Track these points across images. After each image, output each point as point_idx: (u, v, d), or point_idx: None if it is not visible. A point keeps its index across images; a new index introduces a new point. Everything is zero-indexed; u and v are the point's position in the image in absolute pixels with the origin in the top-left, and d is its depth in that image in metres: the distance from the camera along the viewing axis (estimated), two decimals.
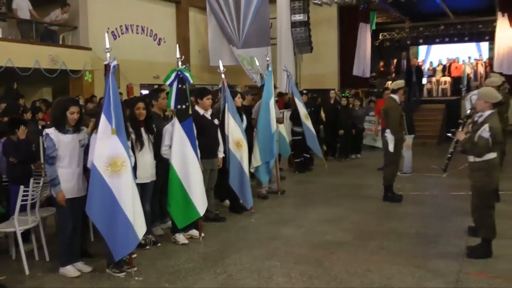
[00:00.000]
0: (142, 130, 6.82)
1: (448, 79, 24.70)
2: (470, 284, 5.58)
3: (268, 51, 20.38)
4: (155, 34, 20.08)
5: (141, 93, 18.17)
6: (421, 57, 29.73)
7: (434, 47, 30.29)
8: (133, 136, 6.64)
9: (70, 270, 6.06)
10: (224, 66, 8.69)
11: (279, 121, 10.69)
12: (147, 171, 6.88)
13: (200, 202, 7.11)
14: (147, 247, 6.90)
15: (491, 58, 25.49)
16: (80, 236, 6.43)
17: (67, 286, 5.80)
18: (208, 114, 7.93)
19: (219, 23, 21.40)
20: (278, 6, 20.48)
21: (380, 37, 30.49)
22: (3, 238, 7.23)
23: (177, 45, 7.57)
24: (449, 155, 7.33)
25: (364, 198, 9.98)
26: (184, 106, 7.02)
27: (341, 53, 24.46)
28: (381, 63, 26.95)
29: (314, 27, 21.53)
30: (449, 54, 27.53)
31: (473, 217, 6.59)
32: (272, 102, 10.00)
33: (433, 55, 29.51)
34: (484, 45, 28.90)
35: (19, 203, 6.18)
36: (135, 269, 6.06)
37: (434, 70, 25.69)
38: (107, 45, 6.01)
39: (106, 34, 6.25)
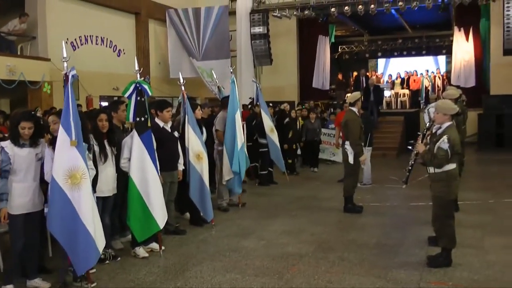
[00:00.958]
0: (105, 142, 6.74)
1: (406, 91, 25.10)
2: None
3: (228, 63, 20.68)
4: (115, 45, 19.92)
5: (100, 105, 17.97)
6: (380, 70, 30.25)
7: (393, 60, 30.86)
8: (96, 148, 6.56)
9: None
10: (184, 78, 8.64)
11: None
12: (109, 185, 6.79)
13: (160, 215, 7.04)
14: (107, 261, 6.79)
15: (448, 71, 26.16)
16: (38, 252, 6.28)
17: None
18: (168, 127, 7.89)
19: (179, 35, 21.38)
20: (238, 18, 20.63)
21: (339, 49, 30.99)
22: None
23: (136, 57, 7.52)
24: (409, 167, 7.41)
25: (325, 209, 10.02)
26: (143, 119, 6.95)
27: (300, 65, 24.62)
28: (340, 75, 27.24)
29: (274, 40, 21.70)
30: (408, 67, 28.06)
31: (434, 226, 6.68)
32: (238, 114, 10.01)
33: (391, 68, 30.07)
34: (442, 59, 29.67)
35: None
36: (94, 284, 5.95)
37: (393, 83, 26.10)
38: (64, 55, 5.91)
39: (63, 43, 6.16)
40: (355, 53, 31.10)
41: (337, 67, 29.75)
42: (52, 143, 5.83)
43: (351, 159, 9.61)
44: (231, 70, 10.77)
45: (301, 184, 13.24)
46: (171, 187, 7.92)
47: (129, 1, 20.43)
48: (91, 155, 6.18)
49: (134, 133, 6.95)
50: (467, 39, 21.93)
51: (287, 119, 14.16)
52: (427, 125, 7.10)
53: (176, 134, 8.05)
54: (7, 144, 5.75)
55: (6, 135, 7.53)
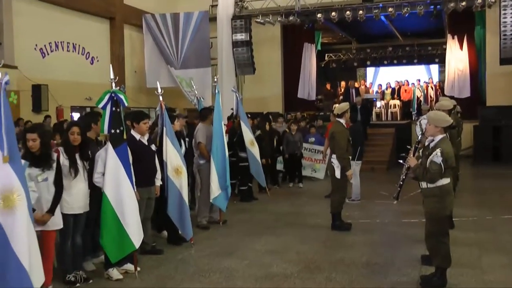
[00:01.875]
0: (77, 156, 6.71)
1: (397, 102, 25.30)
2: None
3: (208, 72, 20.72)
4: (88, 53, 19.90)
5: (72, 117, 17.89)
6: (369, 80, 30.34)
7: (383, 69, 31.00)
8: (66, 162, 6.54)
9: None
10: (161, 88, 8.66)
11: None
12: (81, 201, 6.75)
13: (136, 234, 7.01)
14: (77, 284, 6.74)
15: (441, 81, 26.30)
16: None
17: None
18: (145, 139, 7.88)
19: (156, 42, 21.41)
20: (219, 24, 20.71)
21: (326, 58, 31.11)
22: None
23: (111, 65, 7.51)
24: (401, 182, 7.44)
25: (311, 227, 10.04)
26: (118, 131, 6.94)
27: (285, 74, 24.71)
28: (328, 85, 27.34)
29: (257, 47, 21.78)
30: (398, 76, 28.16)
31: (427, 244, 6.70)
32: (223, 125, 10.09)
33: (381, 78, 30.19)
34: (434, 68, 29.88)
35: None
36: None
37: (383, 93, 26.27)
38: None
39: None
40: (342, 62, 31.27)
41: (324, 77, 29.89)
42: None
43: (337, 174, 9.65)
44: (216, 80, 10.83)
45: (285, 200, 13.25)
46: (148, 203, 7.90)
47: (103, 5, 20.44)
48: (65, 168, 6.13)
49: (109, 146, 6.92)
50: (461, 47, 22.13)
51: (258, 132, 13.98)
52: (419, 137, 7.16)
53: (153, 147, 8.05)
54: None
55: None
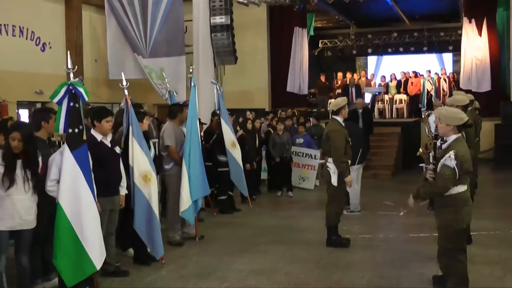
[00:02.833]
0: (19, 163, 6.68)
1: (404, 97, 25.41)
2: None
3: (181, 61, 20.66)
4: (38, 38, 19.74)
5: (18, 114, 17.78)
6: (370, 70, 30.38)
7: (386, 59, 31.07)
8: (1, 169, 6.52)
9: None
10: (127, 80, 8.66)
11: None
12: (21, 216, 6.70)
13: (96, 252, 6.97)
14: None
15: (456, 72, 26.33)
16: None
17: None
18: (107, 141, 7.86)
19: (121, 25, 21.31)
20: (195, 6, 20.60)
21: (320, 45, 31.14)
22: None
23: (68, 52, 7.49)
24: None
25: (303, 243, 10.07)
26: (76, 130, 6.90)
27: (272, 64, 24.74)
28: (322, 77, 27.38)
29: (239, 32, 21.72)
30: (405, 67, 28.20)
31: (440, 263, 6.73)
32: (197, 126, 10.08)
33: (385, 68, 30.22)
34: (448, 57, 29.90)
35: None
36: None
37: (387, 86, 26.31)
38: None
39: None
40: (339, 50, 31.35)
41: (318, 67, 29.96)
42: None
43: (334, 180, 9.63)
44: (191, 70, 10.76)
45: (272, 211, 13.29)
46: (111, 216, 7.89)
47: None
48: None
49: (65, 148, 6.88)
50: (479, 33, 22.16)
51: (240, 132, 13.98)
52: (432, 132, 7.18)
53: (117, 149, 8.03)
54: None
55: None
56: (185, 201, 9.80)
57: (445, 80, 25.75)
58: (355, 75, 26.97)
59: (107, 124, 7.80)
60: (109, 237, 7.84)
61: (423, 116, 22.70)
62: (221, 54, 20.82)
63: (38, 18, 19.69)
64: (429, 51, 29.63)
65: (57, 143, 7.78)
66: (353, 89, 22.88)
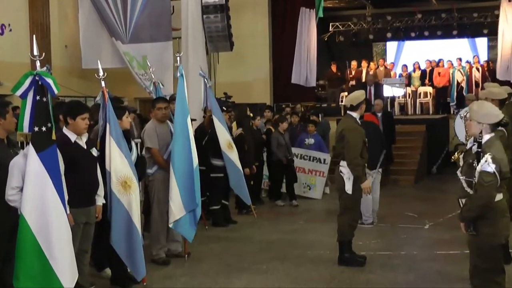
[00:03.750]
0: None
1: (429, 89, 25.42)
2: None
3: (168, 47, 20.63)
4: None
5: None
6: (390, 58, 30.31)
7: (409, 44, 30.99)
8: None
9: None
10: (104, 70, 8.64)
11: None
12: None
13: (67, 273, 6.93)
14: None
15: (492, 61, 26.22)
16: None
17: None
18: (82, 141, 7.83)
19: (96, 5, 21.25)
20: None
21: (331, 28, 31.03)
22: None
23: (33, 36, 7.48)
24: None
25: (310, 261, 10.09)
26: (44, 128, 6.89)
27: (274, 52, 24.73)
28: (333, 66, 27.33)
29: (236, 14, 21.71)
30: (431, 54, 28.15)
31: (473, 285, 6.71)
32: (189, 122, 10.04)
33: (407, 56, 30.16)
34: (482, 42, 29.73)
35: None
36: None
37: (410, 77, 26.33)
38: None
39: None
40: (353, 34, 31.21)
41: (328, 54, 29.91)
42: None
43: (348, 187, 9.58)
44: (179, 58, 10.70)
45: (273, 223, 13.31)
46: (86, 230, 7.88)
47: None
48: None
49: (30, 149, 6.86)
50: None
51: (239, 131, 14.12)
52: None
53: (94, 152, 8.02)
54: None
55: None
56: (175, 212, 9.73)
57: (478, 69, 25.61)
58: (371, 64, 26.93)
59: (82, 122, 7.76)
60: (83, 255, 7.84)
61: (452, 112, 22.74)
62: (214, 39, 20.79)
63: None
64: (460, 35, 29.40)
65: (19, 144, 7.73)
66: (372, 89, 22.71)
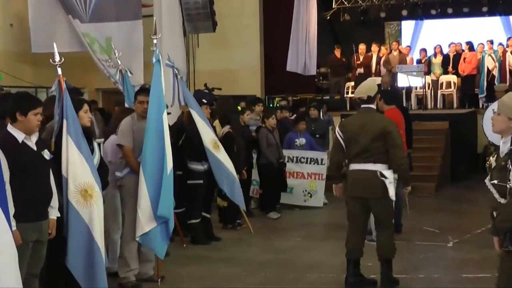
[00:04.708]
0: None
1: (453, 78, 25.40)
2: None
3: (137, 27, 20.63)
4: None
5: None
6: (405, 41, 30.32)
7: (428, 24, 31.01)
8: None
9: None
10: (60, 54, 8.61)
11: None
12: None
13: None
14: None
15: None
16: None
17: None
18: (32, 142, 7.80)
19: None
20: None
21: (334, 5, 31.00)
22: None
23: None
24: None
25: (309, 284, 10.17)
26: None
27: (266, 34, 24.77)
28: (337, 51, 27.32)
29: None
30: (455, 36, 28.13)
31: None
32: (165, 117, 10.00)
33: (425, 38, 30.19)
34: None
35: None
36: None
37: (429, 63, 26.32)
38: None
39: None
40: (362, 12, 31.21)
41: (331, 37, 29.97)
42: None
43: (392, 193, 9.62)
44: (155, 41, 10.61)
45: (265, 240, 13.32)
46: (36, 250, 7.82)
47: None
48: None
49: None
50: None
51: (227, 128, 14.10)
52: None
53: (46, 154, 7.99)
54: None
55: None
56: (143, 223, 9.67)
57: None
58: (383, 47, 26.87)
59: (35, 119, 7.69)
60: (32, 280, 7.79)
61: (482, 106, 22.75)
62: (193, 17, 20.83)
63: None
64: (491, 12, 29.35)
65: None
66: (395, 78, 22.67)
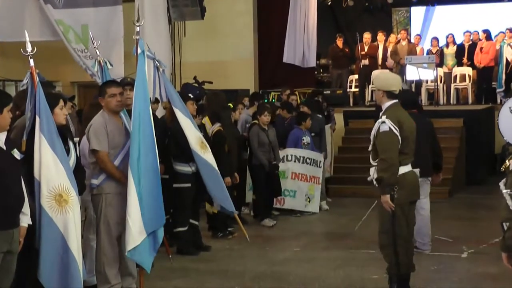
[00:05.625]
0: None
1: (468, 71, 25.43)
2: None
3: (117, 13, 20.64)
4: None
5: None
6: (415, 29, 30.34)
7: (440, 10, 31.03)
8: None
9: None
10: (32, 43, 8.62)
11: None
12: None
13: None
14: None
15: None
16: None
17: None
18: (1, 140, 7.81)
19: None
20: None
21: None
22: None
23: None
24: None
25: None
26: None
27: (261, 22, 24.79)
28: (339, 40, 27.33)
29: None
30: (470, 24, 28.14)
31: None
32: (150, 114, 9.95)
33: (437, 26, 30.22)
34: None
35: None
36: None
37: (442, 53, 26.33)
38: None
39: None
40: None
41: (333, 25, 29.99)
42: None
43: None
44: (138, 28, 10.57)
45: (260, 250, 13.34)
46: (6, 262, 7.82)
47: None
48: None
49: None
50: None
51: (217, 126, 14.15)
52: None
53: (16, 154, 8.00)
54: None
55: None
56: (135, 234, 9.58)
57: None
58: (391, 36, 26.87)
59: (8, 115, 7.72)
60: None
61: (500, 102, 22.73)
62: (179, 3, 20.84)
63: None
64: None
65: None
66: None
